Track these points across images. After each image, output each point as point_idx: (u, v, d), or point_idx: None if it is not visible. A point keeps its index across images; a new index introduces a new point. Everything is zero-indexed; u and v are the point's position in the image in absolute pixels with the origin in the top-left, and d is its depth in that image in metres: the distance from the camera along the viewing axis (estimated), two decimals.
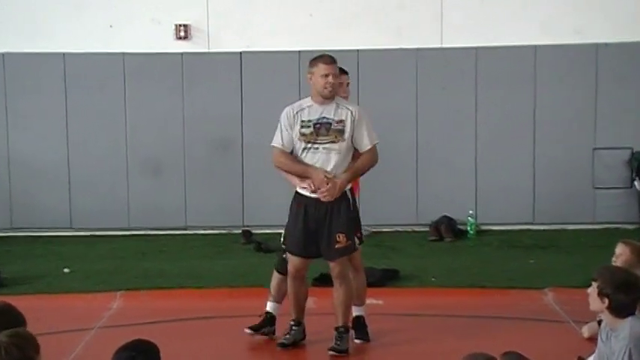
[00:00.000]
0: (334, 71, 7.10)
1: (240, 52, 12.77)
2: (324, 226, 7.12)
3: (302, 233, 7.19)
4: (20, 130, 12.84)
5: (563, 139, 12.75)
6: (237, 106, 12.80)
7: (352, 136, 7.13)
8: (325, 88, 7.07)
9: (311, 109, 7.15)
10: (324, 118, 7.09)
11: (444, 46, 12.72)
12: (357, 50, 12.62)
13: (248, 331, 7.66)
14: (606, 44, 12.56)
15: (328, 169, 7.09)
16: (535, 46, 12.62)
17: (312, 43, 12.32)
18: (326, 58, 7.18)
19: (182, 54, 12.79)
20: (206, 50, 12.87)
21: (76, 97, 12.80)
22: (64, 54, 12.74)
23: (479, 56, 12.68)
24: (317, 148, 7.09)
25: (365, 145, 7.19)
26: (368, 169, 7.36)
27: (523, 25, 12.66)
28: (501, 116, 12.76)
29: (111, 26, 12.86)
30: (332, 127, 7.08)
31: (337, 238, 7.10)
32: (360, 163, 7.24)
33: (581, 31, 12.58)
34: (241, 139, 12.77)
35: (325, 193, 7.05)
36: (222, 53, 12.79)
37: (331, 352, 7.22)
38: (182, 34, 12.79)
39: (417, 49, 12.68)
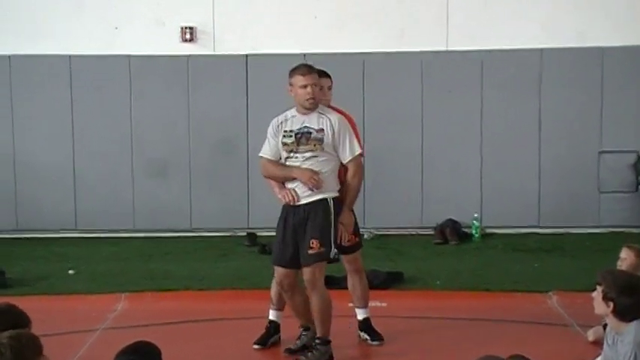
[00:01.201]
0: (313, 81, 7.03)
1: (246, 55, 12.78)
2: (303, 232, 7.03)
3: (282, 242, 7.15)
4: (26, 132, 12.86)
5: (569, 143, 12.74)
6: (242, 108, 12.82)
7: (334, 146, 7.06)
8: (306, 99, 7.03)
9: (294, 120, 7.13)
10: (305, 127, 7.06)
11: (449, 49, 12.72)
12: (362, 53, 12.63)
13: (257, 346, 7.63)
14: (610, 48, 12.54)
15: None
16: (541, 50, 12.61)
17: (316, 46, 12.39)
18: (302, 68, 7.13)
19: (188, 56, 12.81)
20: (212, 52, 12.88)
21: (82, 98, 12.82)
22: (69, 56, 12.76)
23: (484, 59, 12.67)
24: (297, 158, 7.06)
25: (346, 156, 7.10)
26: (360, 185, 7.26)
27: (528, 28, 12.65)
28: (507, 119, 12.76)
29: (116, 28, 12.88)
30: (312, 136, 7.03)
31: (310, 244, 6.97)
32: (350, 187, 7.15)
33: (584, 34, 12.57)
34: (246, 141, 12.76)
35: (313, 182, 6.96)
36: (227, 55, 12.80)
37: None
38: (187, 36, 12.80)
39: (422, 52, 12.68)
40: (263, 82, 12.59)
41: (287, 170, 7.11)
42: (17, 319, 4.84)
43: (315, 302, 7.09)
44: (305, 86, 7.01)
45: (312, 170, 7.00)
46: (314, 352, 7.11)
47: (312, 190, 7.01)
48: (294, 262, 7.09)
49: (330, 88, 7.55)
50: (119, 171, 12.93)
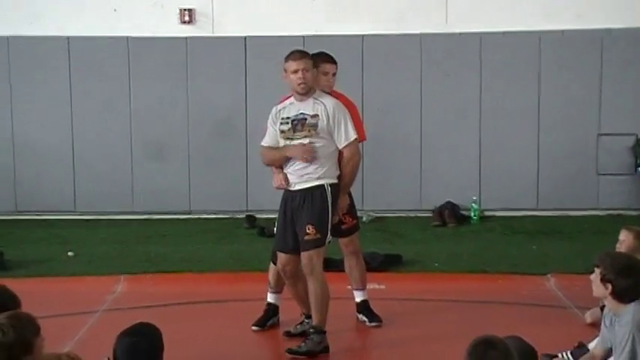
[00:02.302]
0: (304, 66, 7.01)
1: (245, 37, 12.76)
2: (299, 217, 7.04)
3: (282, 227, 7.17)
4: (24, 114, 12.85)
5: (568, 125, 12.73)
6: (241, 90, 12.80)
7: (329, 131, 7.05)
8: (298, 84, 7.04)
9: (292, 107, 7.14)
10: (301, 114, 7.06)
11: (448, 31, 12.69)
12: (362, 35, 12.62)
13: (255, 328, 7.65)
14: (610, 30, 12.53)
15: (304, 162, 7.02)
16: (540, 32, 12.58)
17: (315, 28, 12.38)
18: (294, 54, 7.12)
19: (186, 38, 12.79)
20: (210, 34, 12.86)
21: (81, 80, 12.81)
22: (68, 37, 12.75)
23: (483, 42, 12.65)
24: (295, 145, 7.07)
25: (341, 141, 7.08)
26: (355, 170, 7.25)
27: (527, 11, 12.63)
28: (505, 102, 12.75)
29: (115, 10, 12.85)
30: (307, 122, 7.03)
31: (307, 230, 6.98)
32: (345, 172, 7.15)
33: (583, 16, 12.55)
34: (245, 123, 12.77)
35: (305, 155, 6.98)
36: (226, 38, 12.78)
37: (287, 352, 7.05)
38: (186, 18, 12.78)
39: (421, 35, 12.66)
40: (262, 65, 12.57)
41: (281, 151, 7.13)
42: (7, 301, 4.85)
43: (312, 289, 7.07)
44: (296, 71, 7.02)
45: (303, 144, 6.99)
46: (307, 341, 7.07)
47: (309, 163, 6.99)
48: (295, 248, 7.10)
49: (334, 74, 7.55)
50: (118, 153, 12.93)
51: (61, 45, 12.74)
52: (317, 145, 7.03)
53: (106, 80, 12.82)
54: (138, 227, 12.32)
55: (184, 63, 12.81)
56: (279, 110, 7.20)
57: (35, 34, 12.72)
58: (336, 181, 7.13)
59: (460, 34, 12.64)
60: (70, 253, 10.55)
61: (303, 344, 7.07)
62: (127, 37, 12.76)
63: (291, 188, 7.11)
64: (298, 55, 7.10)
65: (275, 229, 7.47)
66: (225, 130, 12.89)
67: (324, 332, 7.11)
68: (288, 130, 7.09)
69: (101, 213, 12.87)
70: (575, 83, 12.67)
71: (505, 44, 12.66)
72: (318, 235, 6.99)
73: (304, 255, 7.02)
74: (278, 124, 7.16)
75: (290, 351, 7.05)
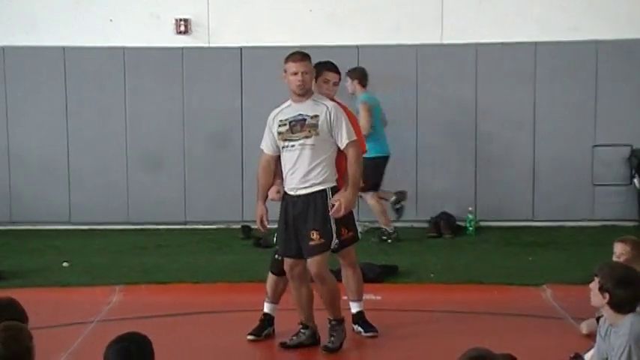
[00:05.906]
0: (304, 68, 7.05)
1: (241, 47, 12.77)
2: (302, 224, 7.07)
3: (284, 232, 7.20)
4: (20, 124, 12.84)
5: (563, 136, 12.75)
6: (237, 101, 12.80)
7: (330, 132, 7.08)
8: (296, 85, 7.08)
9: (289, 109, 7.19)
10: (300, 115, 7.10)
11: (444, 42, 12.72)
12: (357, 46, 12.63)
13: (251, 337, 7.65)
14: (605, 41, 12.55)
15: (305, 165, 7.05)
16: (535, 43, 12.61)
17: (312, 39, 12.35)
18: (295, 55, 7.16)
19: (182, 48, 12.79)
20: (206, 45, 12.87)
21: (76, 90, 12.80)
22: (64, 48, 12.74)
23: (479, 53, 12.68)
24: (293, 146, 7.09)
25: (343, 140, 7.08)
26: (361, 169, 7.23)
27: (523, 22, 12.66)
28: (501, 113, 12.76)
29: (111, 20, 12.86)
30: (306, 122, 7.07)
31: (311, 236, 7.02)
32: (352, 169, 7.13)
33: (578, 27, 12.58)
34: (241, 133, 12.77)
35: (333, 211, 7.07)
36: (222, 48, 12.79)
37: (324, 351, 7.25)
38: (182, 28, 12.79)
39: (417, 45, 12.68)
40: (257, 75, 12.59)
41: (261, 191, 7.35)
42: (16, 316, 4.84)
43: (326, 292, 7.20)
44: (295, 73, 7.06)
45: (261, 216, 7.27)
46: (335, 335, 7.26)
47: (311, 168, 7.05)
48: (299, 252, 7.14)
49: (336, 84, 7.57)
50: (113, 163, 12.91)
51: (56, 55, 12.74)
52: (317, 147, 7.05)
53: (102, 90, 12.82)
54: (133, 238, 12.30)
55: (180, 73, 12.81)
56: (276, 114, 7.24)
57: (31, 44, 12.71)
58: (335, 184, 7.16)
59: (456, 45, 12.66)
60: (65, 264, 10.53)
61: (332, 339, 7.25)
62: (123, 48, 12.76)
63: (293, 193, 7.12)
64: (299, 57, 7.13)
65: (275, 237, 7.47)
66: (221, 140, 12.88)
67: (344, 320, 7.35)
68: (286, 131, 7.12)
69: (96, 223, 12.86)
70: (571, 94, 12.70)
71: (501, 55, 12.68)
72: (323, 240, 7.03)
73: (311, 262, 7.07)
74: (275, 127, 7.18)
75: (326, 349, 7.24)
